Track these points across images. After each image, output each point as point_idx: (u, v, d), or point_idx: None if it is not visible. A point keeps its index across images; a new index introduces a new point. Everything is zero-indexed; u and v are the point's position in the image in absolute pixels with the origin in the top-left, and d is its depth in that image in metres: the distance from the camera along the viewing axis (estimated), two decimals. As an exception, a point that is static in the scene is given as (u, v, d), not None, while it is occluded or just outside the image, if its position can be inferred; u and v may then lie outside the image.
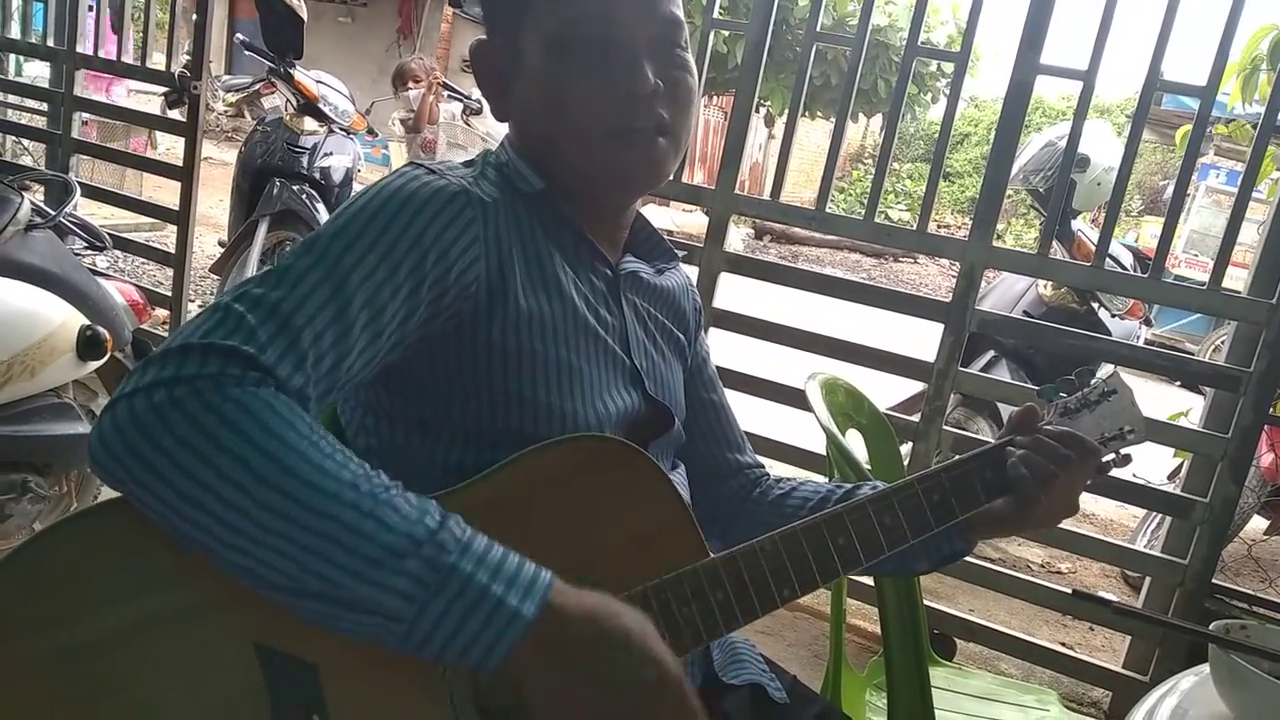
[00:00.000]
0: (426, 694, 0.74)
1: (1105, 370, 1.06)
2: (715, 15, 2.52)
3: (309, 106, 4.10)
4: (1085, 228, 3.58)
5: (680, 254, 1.06)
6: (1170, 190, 2.40)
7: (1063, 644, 2.77)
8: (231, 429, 0.62)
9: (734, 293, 2.68)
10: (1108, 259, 2.32)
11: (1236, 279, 3.14)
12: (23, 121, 4.36)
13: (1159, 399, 6.28)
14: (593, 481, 0.80)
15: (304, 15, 4.00)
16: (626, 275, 0.96)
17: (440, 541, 0.63)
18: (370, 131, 4.83)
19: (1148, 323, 3.84)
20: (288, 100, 4.17)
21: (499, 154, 0.94)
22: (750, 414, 2.77)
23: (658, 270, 1.02)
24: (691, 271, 2.49)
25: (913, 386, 3.06)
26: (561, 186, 0.90)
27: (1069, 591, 1.92)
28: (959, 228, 15.22)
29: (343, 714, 0.70)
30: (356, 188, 4.46)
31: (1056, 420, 1.00)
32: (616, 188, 0.93)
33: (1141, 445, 1.06)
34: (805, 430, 1.34)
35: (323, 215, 4.01)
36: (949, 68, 11.19)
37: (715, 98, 12.86)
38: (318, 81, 4.19)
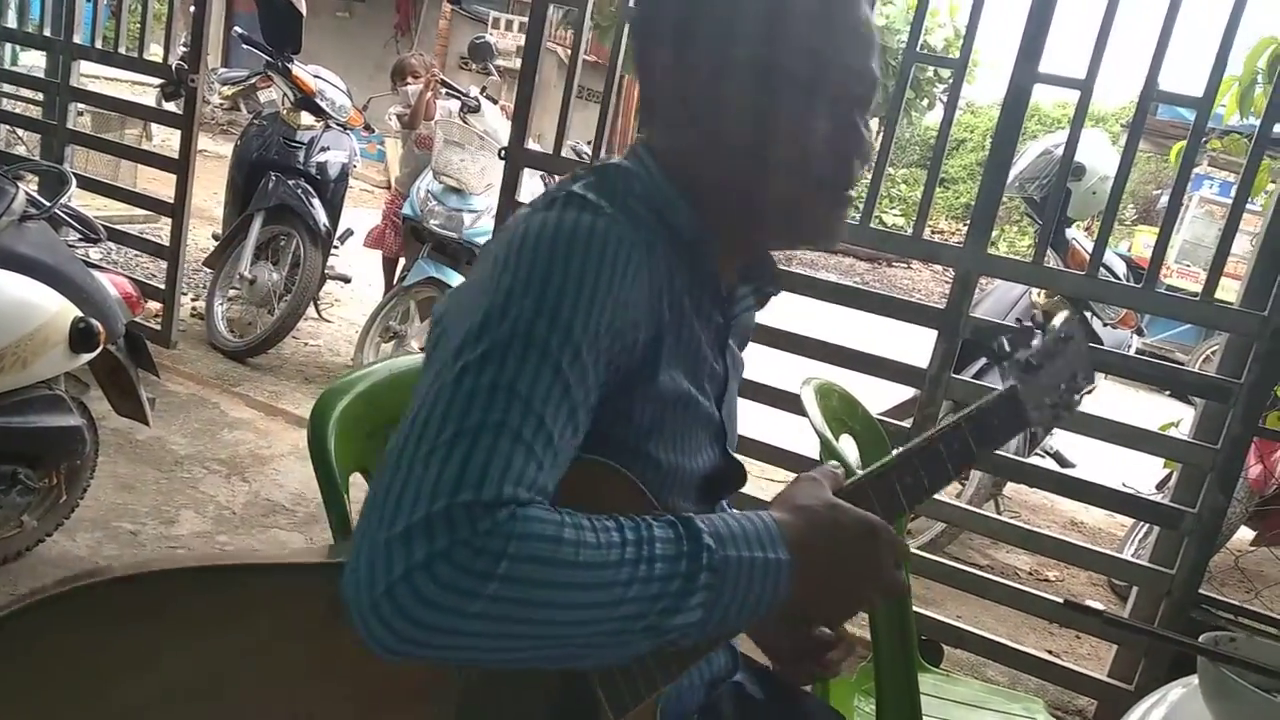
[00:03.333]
0: None
1: (1060, 317, 1.07)
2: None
3: (306, 101, 4.10)
4: (1080, 236, 3.59)
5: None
6: (1164, 200, 2.41)
7: (1049, 651, 2.78)
8: (521, 585, 0.62)
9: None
10: (1101, 268, 2.32)
11: (1229, 290, 3.15)
12: (18, 111, 4.34)
13: (1149, 409, 6.32)
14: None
15: (303, 10, 4.00)
16: (735, 324, 0.93)
17: (704, 545, 0.69)
18: (367, 127, 4.83)
19: (1139, 332, 3.86)
20: (284, 94, 4.16)
21: (645, 181, 0.85)
22: (744, 418, 2.78)
23: (759, 297, 0.97)
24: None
25: (905, 392, 3.07)
26: (720, 225, 0.85)
27: (1060, 601, 1.92)
28: (953, 234, 15.25)
29: None
30: (352, 183, 4.45)
31: (1020, 377, 0.99)
32: (802, 242, 0.90)
33: (1093, 391, 1.08)
34: (798, 435, 1.34)
35: (318, 210, 4.01)
36: (946, 72, 11.25)
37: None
38: (315, 76, 4.19)
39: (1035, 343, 1.01)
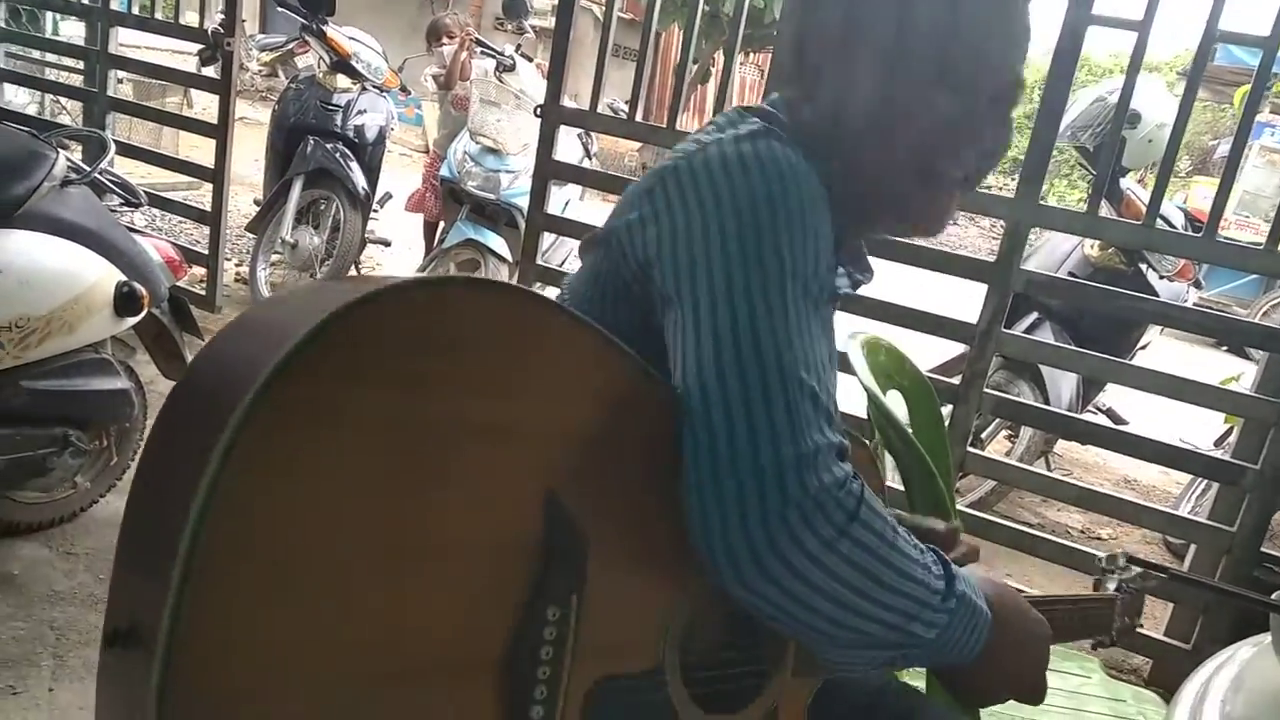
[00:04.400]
0: (651, 618, 0.74)
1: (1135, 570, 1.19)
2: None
3: (342, 64, 4.08)
4: (1134, 187, 3.48)
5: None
6: (1221, 150, 2.31)
7: (1102, 611, 2.73)
8: (862, 551, 0.66)
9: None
10: (1158, 219, 2.24)
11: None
12: (61, 80, 4.38)
13: (1204, 363, 6.15)
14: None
15: (337, -30, 3.97)
16: (839, 298, 0.93)
17: (954, 574, 0.74)
18: (403, 89, 4.80)
19: (1197, 285, 3.74)
20: (320, 58, 4.14)
21: (788, 135, 0.82)
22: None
23: (854, 284, 0.98)
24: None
25: (952, 349, 3.00)
26: (838, 201, 0.82)
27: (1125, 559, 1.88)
28: (1000, 188, 14.91)
29: (596, 600, 0.69)
30: (390, 147, 4.44)
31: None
32: (914, 227, 0.90)
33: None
34: (844, 391, 1.31)
35: (357, 174, 4.00)
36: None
37: (752, 55, 12.64)
38: (350, 38, 4.17)
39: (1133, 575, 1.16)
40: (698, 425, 0.66)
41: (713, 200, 0.72)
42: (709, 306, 0.69)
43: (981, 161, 0.84)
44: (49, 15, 4.08)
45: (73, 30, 4.94)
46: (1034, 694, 0.82)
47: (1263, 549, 2.18)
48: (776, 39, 0.79)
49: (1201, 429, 3.53)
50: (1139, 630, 1.16)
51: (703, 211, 0.72)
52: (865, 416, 1.49)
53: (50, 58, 4.34)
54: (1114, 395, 3.87)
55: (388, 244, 4.78)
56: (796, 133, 0.82)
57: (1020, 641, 0.80)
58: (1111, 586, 1.15)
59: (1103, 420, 3.69)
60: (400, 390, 0.60)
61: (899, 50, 0.79)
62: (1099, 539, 3.50)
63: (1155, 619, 2.75)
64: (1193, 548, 2.41)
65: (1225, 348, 7.21)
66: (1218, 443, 3.43)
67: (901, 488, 1.35)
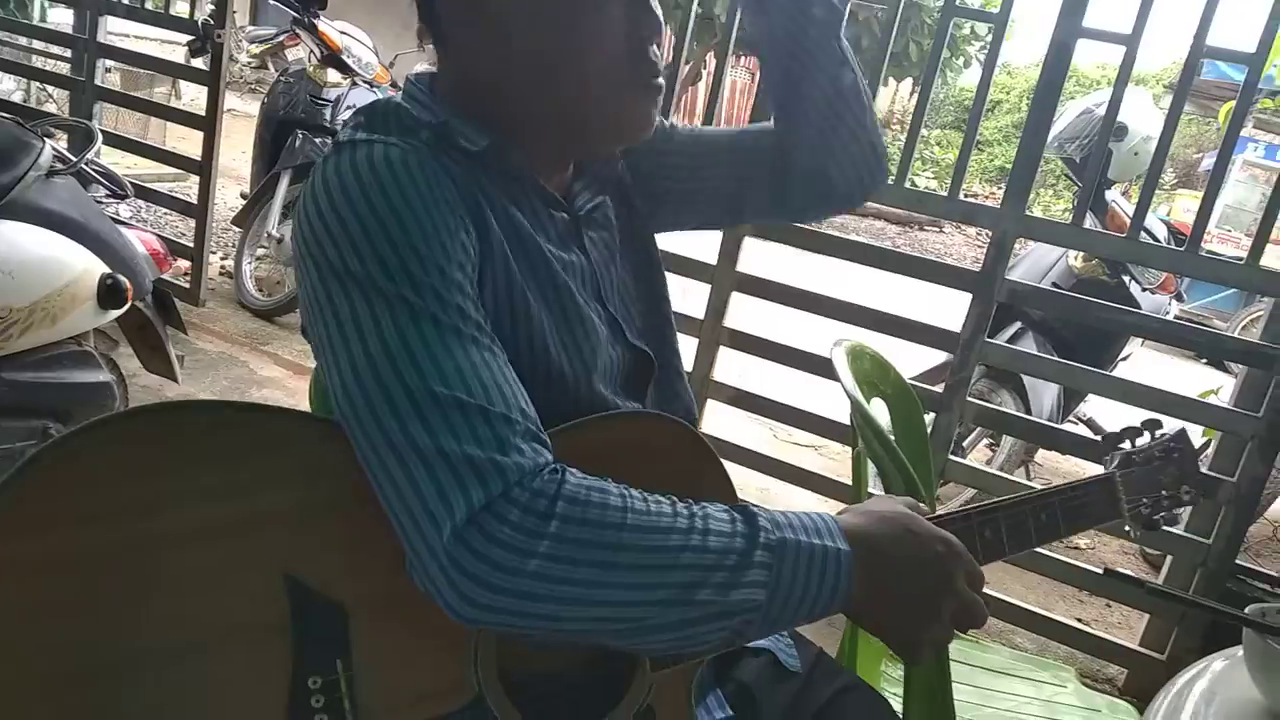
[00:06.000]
0: (451, 650, 0.73)
1: (1173, 427, 1.10)
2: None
3: (332, 58, 4.06)
4: (1119, 199, 3.51)
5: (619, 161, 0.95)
6: (1205, 163, 2.34)
7: (1079, 619, 2.75)
8: (572, 543, 0.64)
9: (758, 259, 2.64)
10: (1142, 232, 2.26)
11: (1272, 257, 3.06)
12: (47, 68, 4.34)
13: (1184, 375, 6.22)
14: (660, 455, 0.82)
15: (329, -36, 3.95)
16: (584, 216, 0.89)
17: (760, 527, 0.69)
18: (394, 85, 4.78)
19: (1179, 298, 3.77)
20: (311, 51, 4.13)
21: (419, 107, 0.82)
22: (774, 381, 2.75)
23: (598, 188, 0.92)
24: (715, 235, 2.45)
25: (935, 357, 3.02)
26: (518, 135, 0.82)
27: (1100, 571, 1.90)
28: (987, 197, 15.00)
29: (367, 661, 0.70)
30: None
31: (1121, 468, 1.04)
32: (621, 141, 0.87)
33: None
34: (827, 398, 1.32)
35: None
36: (983, 29, 11.01)
37: (742, 58, 12.67)
38: (342, 33, 4.15)
39: (1142, 440, 1.06)
40: (367, 471, 0.66)
41: (304, 248, 0.71)
42: (327, 344, 0.68)
43: (649, 55, 0.80)
44: (37, 1, 4.05)
45: (61, 18, 4.90)
46: (963, 613, 0.74)
47: (1237, 561, 2.20)
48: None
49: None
50: (1157, 587, 1.06)
51: (303, 263, 0.72)
52: (849, 423, 1.50)
53: (38, 45, 4.31)
54: (1095, 406, 3.90)
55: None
56: (443, 98, 0.82)
57: (904, 568, 0.73)
58: (1113, 464, 1.05)
59: (1083, 430, 3.72)
60: (100, 520, 0.64)
61: None
62: (1077, 548, 3.53)
63: (1130, 629, 2.78)
64: (1169, 559, 2.44)
65: (1205, 360, 7.28)
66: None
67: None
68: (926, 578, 0.73)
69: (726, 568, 0.66)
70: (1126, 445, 1.06)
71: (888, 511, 0.76)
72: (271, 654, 0.67)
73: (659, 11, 0.81)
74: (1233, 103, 2.16)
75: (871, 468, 1.44)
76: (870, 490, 1.46)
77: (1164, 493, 1.06)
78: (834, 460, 3.65)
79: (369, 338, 0.66)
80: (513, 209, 0.81)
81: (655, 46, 0.81)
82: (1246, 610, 0.91)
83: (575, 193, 0.89)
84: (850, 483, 1.50)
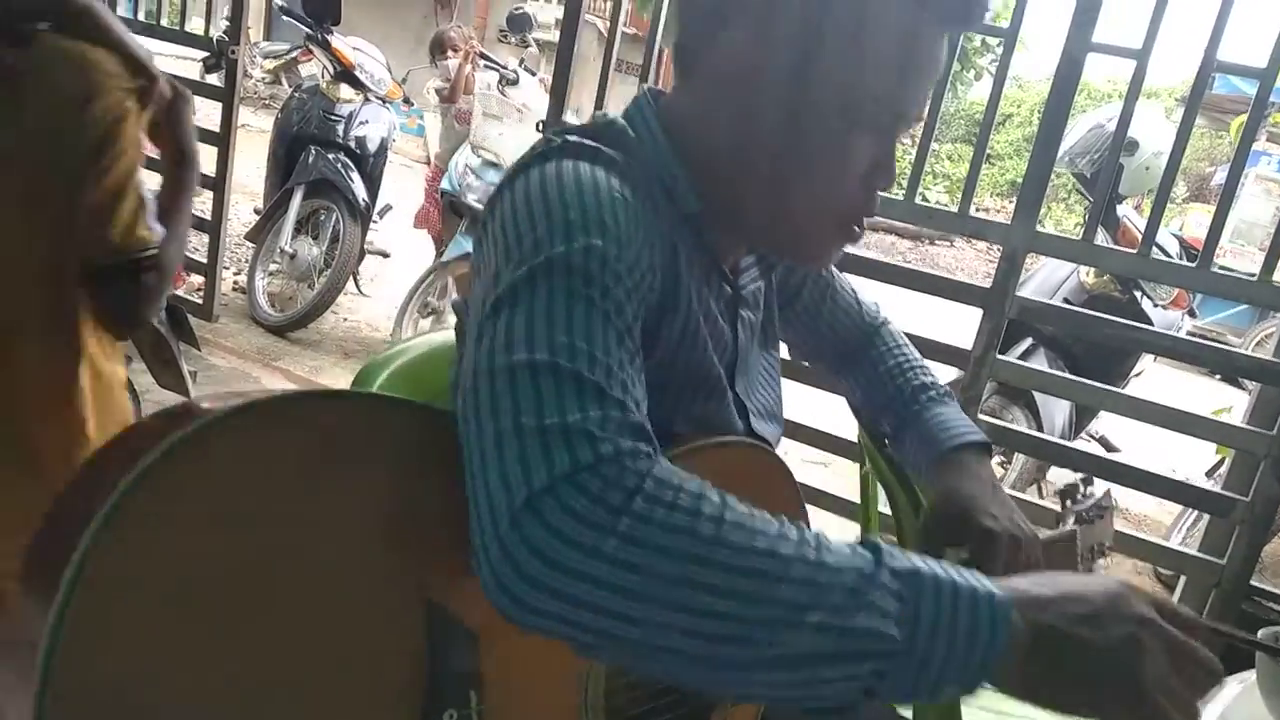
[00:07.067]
0: (568, 684, 0.73)
1: (1101, 489, 1.18)
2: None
3: (345, 74, 4.10)
4: (1130, 214, 3.49)
5: None
6: (1217, 177, 2.33)
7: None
8: (657, 529, 0.54)
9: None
10: (1154, 246, 2.25)
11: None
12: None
13: (1199, 393, 6.17)
14: (748, 479, 0.84)
15: (342, -19, 3.99)
16: (744, 294, 0.91)
17: (884, 550, 0.57)
18: (406, 100, 4.82)
19: (1191, 314, 3.75)
20: (324, 67, 4.16)
21: (647, 146, 0.79)
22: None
23: (762, 267, 0.95)
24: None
25: (946, 373, 3.01)
26: (723, 210, 0.80)
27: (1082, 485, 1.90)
28: (999, 211, 14.99)
29: (496, 691, 0.67)
30: (390, 157, 4.45)
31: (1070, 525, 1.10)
32: (798, 262, 0.94)
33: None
34: (836, 415, 1.32)
35: (357, 185, 4.01)
36: (994, 41, 11.00)
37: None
38: (354, 49, 4.19)
39: (1088, 500, 1.11)
40: (463, 444, 0.60)
41: (491, 246, 0.69)
42: (479, 321, 0.64)
43: (872, 202, 0.78)
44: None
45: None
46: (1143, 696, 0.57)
47: (1252, 582, 2.18)
48: (678, 28, 0.78)
49: (1195, 457, 3.54)
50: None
51: (487, 257, 0.69)
52: (856, 442, 1.49)
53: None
54: (1107, 422, 3.87)
55: (386, 255, 4.79)
56: (668, 132, 0.79)
57: (1090, 617, 0.57)
58: (1070, 522, 1.10)
59: (1096, 447, 3.70)
60: (234, 523, 0.58)
61: (801, 69, 0.73)
62: (1091, 569, 3.50)
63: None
64: (1182, 579, 2.41)
65: (1219, 376, 7.23)
66: (1210, 473, 3.44)
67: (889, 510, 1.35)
68: (1114, 663, 0.57)
69: (847, 588, 0.54)
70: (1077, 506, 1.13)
71: (1068, 576, 0.62)
72: (407, 684, 0.64)
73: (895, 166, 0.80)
74: (1244, 117, 2.15)
75: (881, 491, 1.43)
76: (880, 509, 1.45)
77: (1092, 550, 1.11)
78: (843, 478, 3.64)
79: (517, 313, 0.61)
80: (696, 268, 0.81)
81: (884, 190, 0.81)
82: (1260, 634, 0.90)
83: (741, 269, 0.91)
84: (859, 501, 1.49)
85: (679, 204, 0.79)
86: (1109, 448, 3.79)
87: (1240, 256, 8.63)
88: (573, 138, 0.76)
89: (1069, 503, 1.16)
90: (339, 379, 3.63)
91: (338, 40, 4.09)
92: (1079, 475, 1.22)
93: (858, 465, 1.48)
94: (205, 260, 3.71)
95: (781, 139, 0.75)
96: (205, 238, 3.74)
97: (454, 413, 0.63)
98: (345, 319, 4.51)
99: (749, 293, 0.92)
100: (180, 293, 3.73)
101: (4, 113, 1.01)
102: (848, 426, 1.45)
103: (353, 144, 4.09)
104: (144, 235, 1.11)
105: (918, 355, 1.18)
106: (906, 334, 2.55)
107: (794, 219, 0.78)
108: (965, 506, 0.91)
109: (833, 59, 0.73)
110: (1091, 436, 3.89)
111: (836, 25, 0.72)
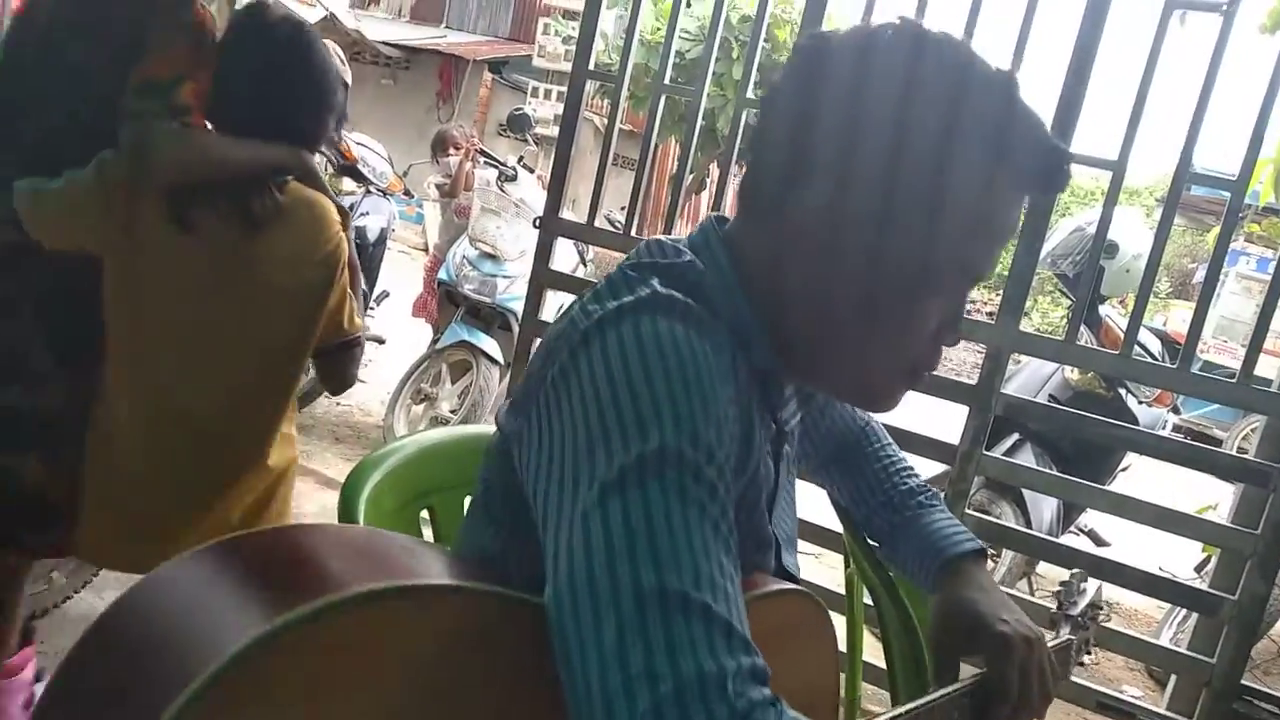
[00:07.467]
0: None
1: (1093, 585, 1.21)
2: (749, 95, 2.57)
3: (348, 168, 4.20)
4: (1113, 313, 3.57)
5: None
6: (1199, 274, 2.40)
7: (1086, 739, 2.69)
8: None
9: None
10: (1135, 346, 2.30)
11: (1269, 366, 3.10)
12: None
13: (1184, 484, 6.17)
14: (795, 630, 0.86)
15: (349, 79, 4.11)
16: (788, 429, 0.88)
17: None
18: (406, 193, 4.93)
19: (1175, 410, 3.81)
20: (328, 160, 4.27)
21: (722, 294, 0.77)
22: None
23: (801, 397, 0.91)
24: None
25: (934, 467, 3.03)
26: (791, 358, 0.80)
27: (1095, 704, 1.89)
28: (985, 303, 15.18)
29: None
30: (390, 245, 4.53)
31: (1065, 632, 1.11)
32: (858, 405, 0.97)
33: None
34: (825, 507, 1.34)
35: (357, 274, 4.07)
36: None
37: (744, 168, 12.98)
38: (357, 143, 4.30)
39: (1083, 599, 1.15)
40: (567, 648, 0.58)
41: (581, 408, 0.66)
42: (578, 518, 0.62)
43: (939, 354, 0.79)
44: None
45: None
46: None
47: (1243, 681, 2.17)
48: (753, 164, 0.78)
49: (1183, 551, 3.54)
50: None
51: (574, 418, 0.66)
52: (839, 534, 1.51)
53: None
54: (1096, 517, 3.88)
55: (382, 341, 4.84)
56: (738, 271, 0.78)
57: None
58: (1065, 631, 1.11)
59: (1085, 542, 3.70)
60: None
61: (853, 203, 0.73)
62: (1080, 664, 3.47)
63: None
64: (1173, 677, 2.40)
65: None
66: (1199, 568, 3.44)
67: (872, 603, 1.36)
68: None
69: None
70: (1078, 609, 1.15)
71: None
72: None
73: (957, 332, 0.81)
74: (1218, 228, 2.23)
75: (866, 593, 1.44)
76: (866, 602, 1.46)
77: (1080, 647, 1.12)
78: (833, 570, 3.62)
79: (632, 511, 0.60)
80: (755, 414, 0.78)
81: (948, 345, 0.81)
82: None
83: (785, 400, 0.86)
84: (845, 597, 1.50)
85: (754, 358, 0.77)
86: (1098, 541, 3.79)
87: (1224, 352, 8.75)
88: (660, 288, 0.72)
89: (1062, 604, 1.17)
90: (330, 465, 3.63)
91: (341, 135, 4.21)
92: (1072, 572, 1.21)
93: (840, 555, 1.49)
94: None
95: (858, 301, 0.75)
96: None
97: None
98: (338, 403, 4.53)
99: (791, 428, 0.90)
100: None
101: (274, 236, 1.51)
102: (831, 518, 1.47)
103: (353, 234, 4.16)
104: (359, 323, 1.70)
105: (902, 454, 1.19)
106: (894, 427, 2.57)
107: (867, 375, 0.79)
108: (974, 615, 0.91)
109: (914, 225, 0.72)
110: (1081, 530, 3.90)
111: (919, 191, 0.72)
